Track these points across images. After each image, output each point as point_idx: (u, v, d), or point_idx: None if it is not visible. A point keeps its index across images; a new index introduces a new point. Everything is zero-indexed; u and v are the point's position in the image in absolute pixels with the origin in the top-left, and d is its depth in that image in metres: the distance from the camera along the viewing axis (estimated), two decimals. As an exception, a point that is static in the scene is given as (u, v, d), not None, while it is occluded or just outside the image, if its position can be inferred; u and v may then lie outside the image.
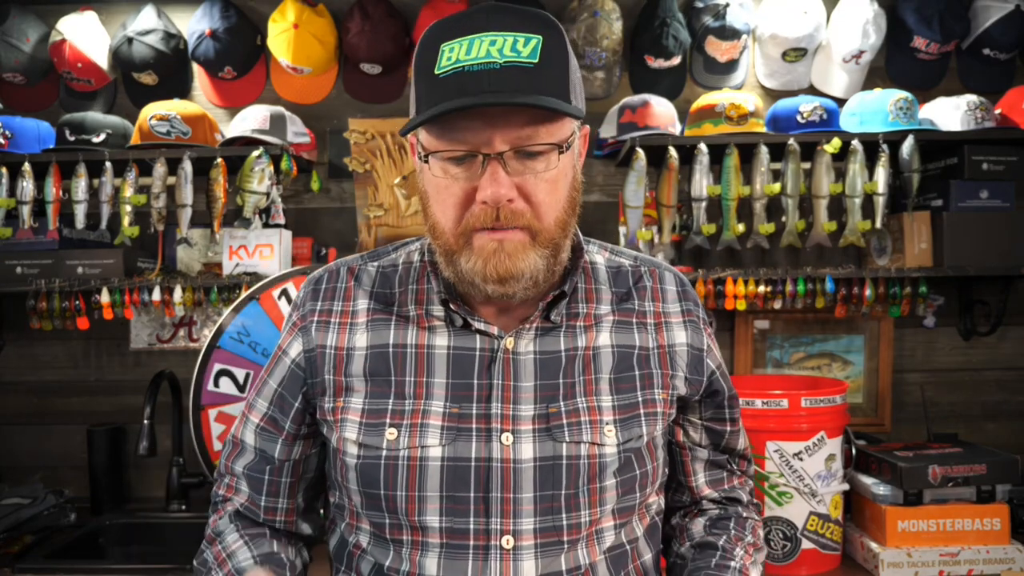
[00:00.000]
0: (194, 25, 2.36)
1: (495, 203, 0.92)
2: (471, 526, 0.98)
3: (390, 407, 1.01)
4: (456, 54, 0.90)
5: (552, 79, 0.92)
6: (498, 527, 0.98)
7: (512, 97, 0.89)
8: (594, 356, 1.04)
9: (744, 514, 1.18)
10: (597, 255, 1.13)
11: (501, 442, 0.99)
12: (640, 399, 1.05)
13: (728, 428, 1.17)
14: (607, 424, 1.01)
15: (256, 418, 1.11)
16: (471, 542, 0.98)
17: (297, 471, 1.11)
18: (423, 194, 1.00)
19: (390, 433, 1.00)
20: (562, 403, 1.01)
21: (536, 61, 0.91)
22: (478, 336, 1.03)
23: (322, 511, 1.19)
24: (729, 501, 1.20)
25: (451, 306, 1.03)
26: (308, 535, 1.16)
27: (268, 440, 1.10)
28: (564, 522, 0.99)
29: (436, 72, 0.91)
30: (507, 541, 0.97)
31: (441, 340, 1.03)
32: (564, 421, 1.00)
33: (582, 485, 0.99)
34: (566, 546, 0.99)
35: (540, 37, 0.92)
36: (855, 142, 2.12)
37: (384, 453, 1.00)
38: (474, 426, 1.00)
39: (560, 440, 1.00)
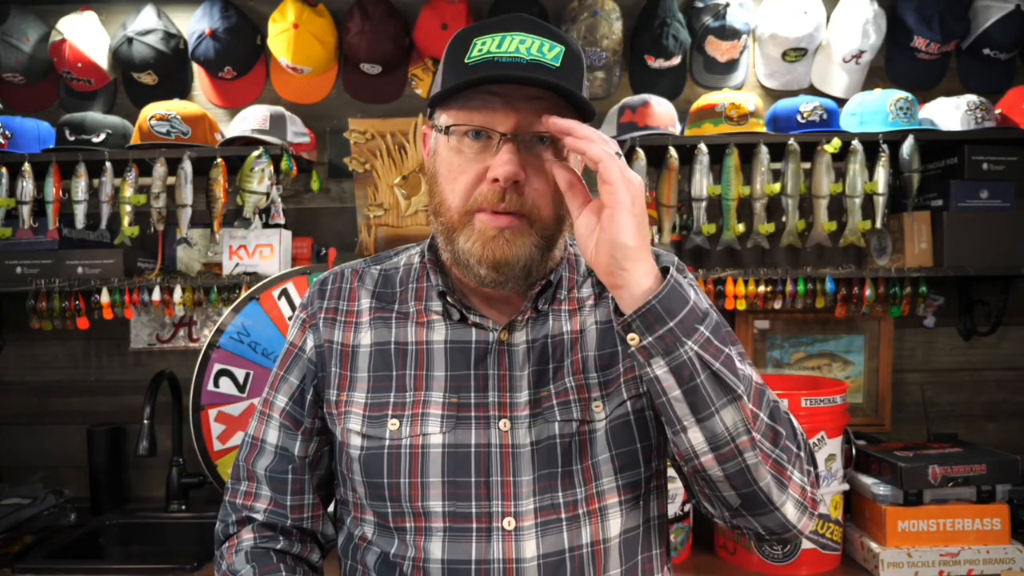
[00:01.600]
0: (194, 25, 2.36)
1: (506, 181, 0.96)
2: (473, 509, 1.01)
3: (392, 399, 1.05)
4: (488, 47, 0.98)
5: (571, 84, 0.98)
6: (499, 509, 1.01)
7: (538, 77, 0.95)
8: (580, 337, 1.08)
9: None
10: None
11: (499, 428, 1.03)
12: (621, 368, 1.07)
13: None
14: (595, 400, 1.05)
15: (277, 415, 1.13)
16: (473, 525, 1.01)
17: (314, 468, 1.14)
18: (433, 175, 1.04)
19: (392, 424, 1.04)
20: (552, 385, 1.05)
21: (558, 66, 0.98)
22: (474, 329, 1.07)
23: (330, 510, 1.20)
24: None
25: (448, 299, 1.07)
26: (331, 536, 1.18)
27: (289, 437, 1.12)
28: (560, 500, 1.01)
29: (466, 61, 0.98)
30: (508, 523, 1.00)
31: (439, 335, 1.08)
32: (555, 402, 1.04)
33: (575, 462, 1.03)
34: (565, 523, 1.01)
35: (563, 47, 0.99)
36: (855, 142, 2.12)
37: (387, 443, 1.03)
38: (473, 414, 1.04)
39: (551, 420, 1.03)
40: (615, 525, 1.04)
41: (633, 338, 0.90)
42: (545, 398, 1.04)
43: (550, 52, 0.98)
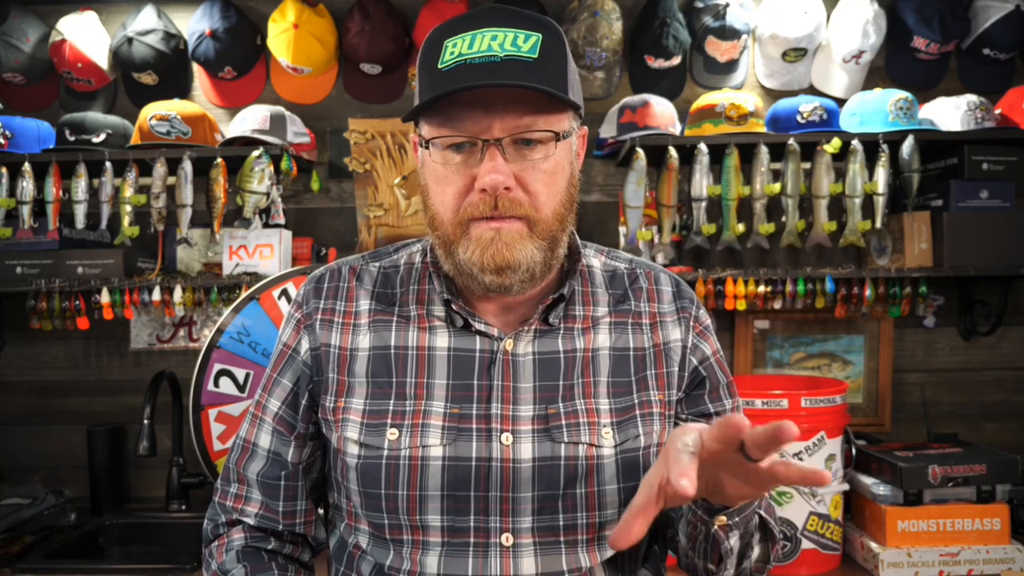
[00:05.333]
0: (194, 25, 2.36)
1: (493, 190, 0.94)
2: (471, 524, 0.99)
3: (391, 408, 1.02)
4: (459, 48, 0.94)
5: (550, 74, 0.94)
6: (497, 525, 0.99)
7: (511, 80, 0.92)
8: (592, 358, 1.05)
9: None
10: (594, 259, 1.14)
11: (501, 442, 1.00)
12: (636, 401, 1.05)
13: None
14: (604, 426, 1.02)
15: (270, 419, 1.09)
16: (471, 540, 0.99)
17: (307, 473, 1.11)
18: (424, 188, 1.02)
19: (391, 433, 1.00)
20: (561, 404, 1.02)
21: (535, 56, 0.93)
22: (478, 337, 1.04)
23: (322, 511, 1.19)
24: None
25: (453, 306, 1.03)
26: (322, 539, 1.15)
27: (282, 443, 1.09)
28: (560, 522, 1.00)
29: (439, 66, 0.95)
30: (506, 539, 0.99)
31: (442, 341, 1.04)
32: (563, 422, 1.01)
33: (580, 486, 1.00)
34: (564, 546, 1.00)
35: (539, 35, 0.95)
36: (855, 142, 2.12)
37: (385, 453, 1.00)
38: (474, 426, 1.00)
39: (558, 441, 1.00)
40: (609, 553, 1.03)
41: (721, 520, 0.92)
42: (553, 416, 1.01)
43: (525, 44, 0.93)
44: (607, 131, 2.34)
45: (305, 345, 1.08)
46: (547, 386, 1.03)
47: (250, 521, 1.10)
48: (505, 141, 0.94)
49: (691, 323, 1.12)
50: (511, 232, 0.96)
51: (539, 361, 1.03)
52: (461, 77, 0.92)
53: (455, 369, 1.03)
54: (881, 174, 2.13)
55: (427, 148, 0.98)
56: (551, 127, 0.96)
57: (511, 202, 0.95)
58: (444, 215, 0.98)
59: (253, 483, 1.09)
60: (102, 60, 2.38)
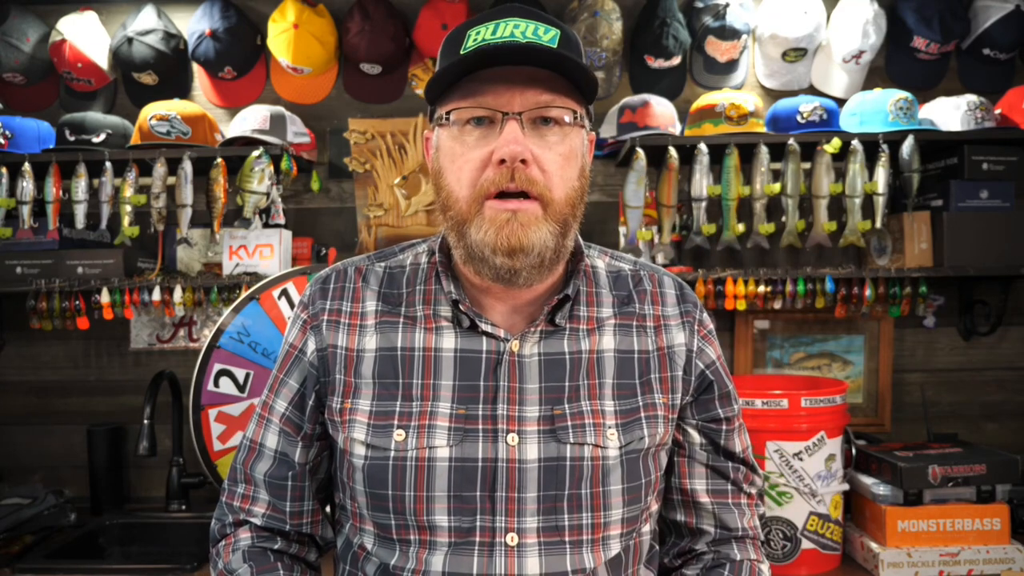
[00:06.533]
0: (194, 25, 2.36)
1: (512, 160, 0.94)
2: (477, 523, 0.99)
3: (398, 409, 1.02)
4: (482, 35, 0.97)
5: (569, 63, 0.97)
6: (503, 525, 0.99)
7: (536, 47, 0.95)
8: (597, 360, 1.06)
9: (739, 556, 1.13)
10: (598, 259, 1.15)
11: (507, 443, 1.00)
12: (641, 403, 1.05)
13: (723, 427, 1.14)
14: (610, 428, 1.02)
15: (277, 420, 1.10)
16: (476, 539, 0.99)
17: (314, 474, 1.11)
18: (437, 173, 1.02)
19: (398, 434, 1.01)
20: (567, 405, 1.02)
21: (555, 47, 0.97)
22: (484, 338, 1.04)
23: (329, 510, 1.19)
24: (723, 540, 1.15)
25: (460, 307, 1.03)
26: (330, 539, 1.16)
27: (289, 443, 1.09)
28: (566, 522, 1.00)
29: (461, 52, 0.98)
30: (511, 538, 0.99)
31: (448, 342, 1.04)
32: (569, 423, 1.01)
33: (585, 487, 1.01)
34: (568, 546, 1.00)
35: (559, 31, 0.99)
36: (855, 142, 2.12)
37: (392, 454, 1.00)
38: (480, 427, 1.01)
39: (564, 441, 1.01)
40: (613, 553, 1.03)
41: None
42: (559, 416, 1.01)
43: (546, 35, 0.97)
44: (607, 131, 2.34)
45: (312, 346, 1.08)
46: (553, 387, 1.03)
47: (257, 521, 1.10)
48: (524, 116, 0.96)
49: (695, 327, 1.13)
50: (527, 214, 0.96)
51: (545, 362, 1.04)
52: (483, 55, 0.95)
53: (461, 370, 1.03)
54: (881, 174, 2.13)
55: (446, 122, 0.99)
56: (569, 107, 0.98)
57: (528, 178, 0.96)
58: (459, 192, 0.98)
59: (260, 483, 1.10)
60: (102, 60, 2.38)
